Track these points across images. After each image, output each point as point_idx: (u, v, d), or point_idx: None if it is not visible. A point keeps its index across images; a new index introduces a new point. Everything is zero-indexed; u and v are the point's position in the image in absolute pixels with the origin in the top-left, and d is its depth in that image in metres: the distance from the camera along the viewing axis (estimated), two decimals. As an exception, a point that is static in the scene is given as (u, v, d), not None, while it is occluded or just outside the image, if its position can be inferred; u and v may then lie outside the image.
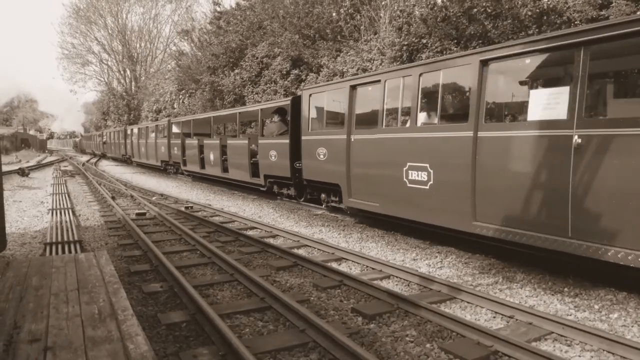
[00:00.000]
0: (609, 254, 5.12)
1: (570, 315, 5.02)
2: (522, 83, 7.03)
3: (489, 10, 13.34)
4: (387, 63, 15.68)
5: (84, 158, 47.00)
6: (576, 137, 5.32)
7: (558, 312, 5.07)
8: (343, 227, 10.04)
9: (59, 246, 7.74)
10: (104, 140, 43.23)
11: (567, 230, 5.52)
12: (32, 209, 12.24)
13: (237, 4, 28.79)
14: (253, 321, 4.81)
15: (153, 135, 25.53)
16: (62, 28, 72.62)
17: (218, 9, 30.56)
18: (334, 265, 6.97)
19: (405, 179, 7.95)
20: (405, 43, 14.87)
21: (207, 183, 19.60)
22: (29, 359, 3.02)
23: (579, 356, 4.10)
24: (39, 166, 31.05)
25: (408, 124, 8.05)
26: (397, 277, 6.38)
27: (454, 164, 7.00)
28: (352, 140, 9.41)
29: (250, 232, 9.39)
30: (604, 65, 6.38)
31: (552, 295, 5.63)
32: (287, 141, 12.15)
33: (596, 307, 5.23)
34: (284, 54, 21.66)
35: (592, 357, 4.09)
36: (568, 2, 12.66)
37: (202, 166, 18.54)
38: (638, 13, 11.61)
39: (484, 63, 6.57)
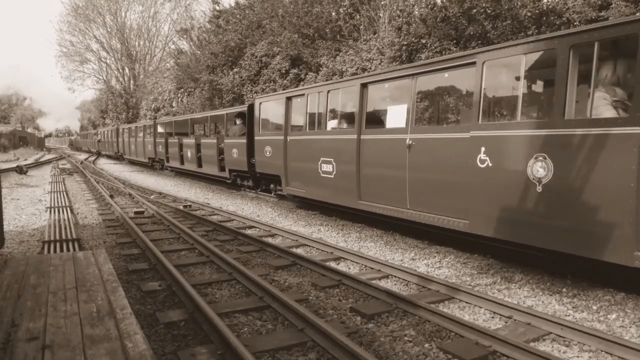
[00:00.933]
0: (431, 218, 7.49)
1: (569, 315, 5.03)
2: (383, 100, 9.74)
3: (489, 11, 13.35)
4: (386, 63, 15.69)
5: (82, 156, 46.93)
6: (408, 139, 7.80)
7: (556, 313, 5.08)
8: (342, 226, 10.04)
9: (57, 244, 7.73)
10: (99, 138, 45.59)
11: (406, 203, 7.98)
12: (30, 207, 12.21)
13: (237, 3, 28.79)
14: (251, 320, 4.81)
15: (141, 134, 28.00)
16: (60, 26, 72.57)
17: (217, 7, 30.57)
18: (333, 264, 6.97)
19: (319, 171, 10.34)
20: (405, 43, 14.88)
21: (205, 182, 19.58)
22: (26, 358, 3.01)
23: (577, 357, 4.11)
24: (37, 164, 30.99)
25: (329, 128, 10.29)
26: (395, 276, 6.38)
27: (347, 158, 9.43)
28: (288, 140, 11.74)
29: (248, 231, 9.38)
30: (426, 89, 9.44)
31: (551, 295, 5.64)
32: (245, 141, 14.36)
33: (594, 307, 5.24)
34: (283, 53, 21.65)
35: (590, 357, 4.09)
36: (567, 3, 12.68)
37: (182, 162, 20.89)
38: (638, 14, 11.63)
39: (364, 86, 9.09)
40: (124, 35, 56.20)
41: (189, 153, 19.74)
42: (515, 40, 10.05)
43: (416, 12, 15.54)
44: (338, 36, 20.42)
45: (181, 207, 12.17)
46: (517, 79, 6.41)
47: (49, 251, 7.38)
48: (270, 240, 8.59)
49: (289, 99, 11.91)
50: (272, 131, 13.00)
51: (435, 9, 14.61)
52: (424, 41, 14.42)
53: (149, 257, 7.23)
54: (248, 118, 14.42)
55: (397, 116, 8.28)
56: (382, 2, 18.68)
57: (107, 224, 10.15)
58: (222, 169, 16.58)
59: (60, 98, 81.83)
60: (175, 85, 35.48)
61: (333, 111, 10.28)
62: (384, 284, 6.09)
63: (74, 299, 4.07)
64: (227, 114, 16.83)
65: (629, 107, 5.23)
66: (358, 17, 19.93)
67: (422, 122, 9.30)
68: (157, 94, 39.65)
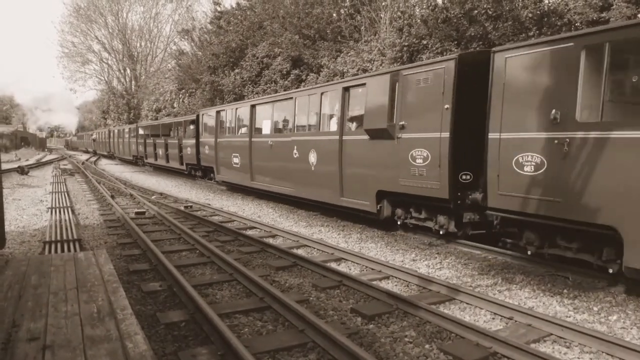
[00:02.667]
0: (283, 190, 12.15)
1: (570, 317, 5.02)
2: (261, 117, 14.03)
3: (490, 12, 13.36)
4: (387, 64, 15.69)
5: (84, 157, 47.00)
6: (270, 141, 12.44)
7: (557, 314, 5.07)
8: (342, 227, 10.04)
9: (58, 245, 7.73)
10: (94, 137, 51.39)
11: (273, 181, 12.76)
12: (31, 208, 12.23)
13: (238, 4, 28.80)
14: (252, 321, 4.81)
15: (127, 136, 33.43)
16: (62, 27, 72.58)
17: (218, 8, 30.58)
18: (334, 265, 6.97)
19: (232, 162, 15.29)
20: (406, 44, 14.89)
21: (204, 183, 19.62)
22: (27, 358, 3.01)
23: (578, 358, 4.10)
24: (39, 164, 31.03)
25: (239, 133, 14.93)
26: (396, 277, 6.38)
27: (245, 154, 14.26)
28: (217, 142, 16.67)
29: (249, 232, 9.39)
30: (278, 111, 13.29)
31: (551, 296, 5.63)
32: (194, 141, 19.46)
33: (595, 309, 5.23)
34: (284, 54, 21.66)
35: (591, 358, 4.09)
36: (569, 4, 12.67)
37: (155, 159, 26.15)
38: (639, 16, 11.62)
39: (253, 107, 14.23)
40: (125, 36, 56.23)
41: (160, 151, 24.99)
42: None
43: (417, 13, 15.55)
44: (339, 37, 20.43)
45: (182, 208, 12.18)
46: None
47: (50, 252, 7.39)
48: (271, 241, 8.60)
49: (217, 112, 16.95)
50: (209, 135, 17.85)
51: (436, 9, 14.62)
52: (425, 42, 14.42)
53: (149, 257, 7.23)
54: (196, 125, 19.39)
55: (266, 127, 13.54)
56: (383, 3, 18.69)
57: (108, 224, 10.16)
58: (182, 163, 21.65)
59: (62, 98, 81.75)
60: (177, 86, 35.50)
61: (240, 122, 15.18)
62: (384, 284, 6.08)
63: (74, 299, 4.07)
64: (184, 120, 22.08)
65: None
66: (359, 18, 19.93)
67: (277, 132, 13.22)
68: (159, 94, 39.67)
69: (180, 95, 34.55)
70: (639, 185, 5.04)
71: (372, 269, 6.76)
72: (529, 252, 6.68)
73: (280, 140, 12.38)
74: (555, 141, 5.88)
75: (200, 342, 4.29)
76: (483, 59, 6.95)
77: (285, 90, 19.21)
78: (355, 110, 9.84)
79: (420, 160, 7.87)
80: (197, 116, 19.36)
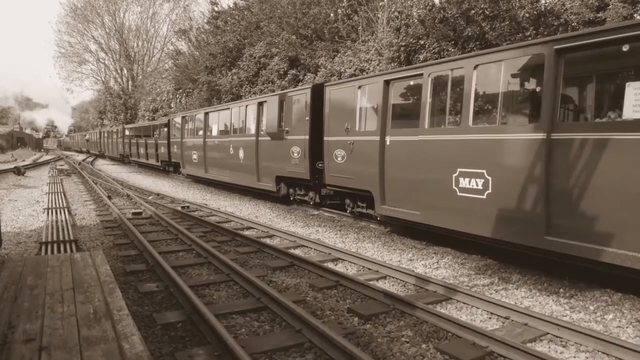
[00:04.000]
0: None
1: (566, 316, 5.04)
2: (214, 123, 17.34)
3: (487, 12, 13.38)
4: (384, 63, 15.70)
5: (80, 157, 46.87)
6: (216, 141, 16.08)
7: (553, 313, 5.08)
8: (340, 227, 10.04)
9: (55, 245, 7.71)
10: (87, 138, 55.53)
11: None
12: (27, 208, 12.19)
13: (235, 4, 28.79)
14: (249, 321, 4.80)
15: (115, 136, 37.37)
16: (59, 27, 72.39)
17: (216, 8, 30.53)
18: (331, 265, 6.97)
19: (192, 158, 18.69)
20: (403, 44, 14.89)
21: (203, 184, 19.60)
22: (23, 359, 3.00)
23: (574, 357, 4.11)
24: (35, 165, 30.93)
25: (197, 135, 18.57)
26: (393, 277, 6.39)
27: (201, 152, 17.71)
28: (183, 141, 20.12)
29: (246, 232, 9.38)
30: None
31: (548, 296, 5.65)
32: (166, 141, 22.95)
33: (591, 308, 5.25)
34: (282, 54, 21.65)
35: (587, 357, 4.10)
36: (565, 4, 12.71)
37: (138, 157, 29.75)
38: (636, 16, 11.66)
39: (207, 114, 18.11)
40: (122, 36, 56.09)
41: (142, 150, 28.72)
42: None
43: (414, 13, 15.55)
44: (336, 37, 20.42)
45: (179, 208, 12.16)
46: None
47: (46, 252, 7.37)
48: (268, 241, 8.59)
49: (183, 117, 20.59)
50: (177, 136, 21.14)
51: (433, 10, 14.63)
52: (422, 42, 14.43)
53: (146, 258, 7.22)
54: (168, 128, 22.76)
55: (215, 130, 16.99)
56: (381, 3, 18.70)
57: (105, 225, 10.13)
58: (157, 160, 24.91)
59: (55, 98, 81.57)
60: (174, 86, 35.42)
61: (198, 126, 18.58)
62: (381, 284, 6.09)
63: (71, 300, 4.06)
64: (160, 124, 25.42)
65: None
66: (356, 18, 19.94)
67: (221, 134, 16.25)
68: (156, 94, 39.57)
69: (178, 96, 34.48)
70: (379, 167, 8.84)
71: (369, 269, 6.76)
72: (347, 211, 10.74)
73: (223, 141, 16.02)
74: (348, 142, 9.75)
75: (197, 343, 4.29)
76: (331, 91, 10.51)
77: (282, 89, 19.52)
78: (264, 118, 13.25)
79: (296, 154, 11.65)
80: (169, 120, 23.15)
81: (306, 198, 12.06)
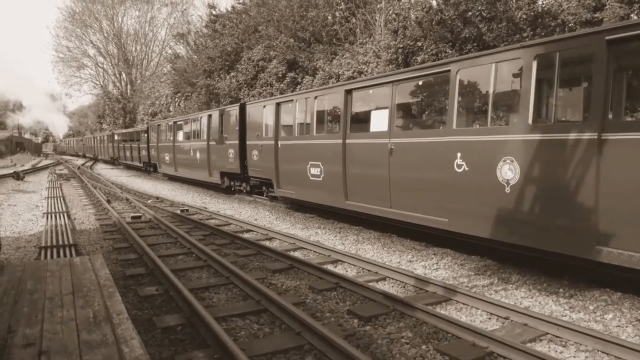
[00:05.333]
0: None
1: (565, 316, 5.05)
2: (186, 132, 19.81)
3: (484, 14, 13.41)
4: (382, 66, 15.73)
5: (79, 162, 46.87)
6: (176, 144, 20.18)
7: (553, 313, 5.09)
8: (339, 229, 10.04)
9: (54, 250, 7.71)
10: (84, 143, 60.09)
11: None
12: (27, 213, 12.18)
13: (233, 8, 28.82)
14: (249, 324, 4.80)
15: (106, 141, 41.80)
16: (57, 31, 72.44)
17: (214, 12, 30.59)
18: (330, 267, 6.97)
19: (165, 160, 22.59)
20: (401, 46, 14.93)
21: (201, 187, 19.61)
22: (23, 363, 3.00)
23: (574, 357, 4.12)
24: (34, 170, 30.91)
25: (169, 139, 21.97)
26: (393, 279, 6.39)
27: (170, 155, 21.90)
28: (159, 145, 23.76)
29: (246, 235, 9.38)
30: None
31: (547, 296, 5.65)
32: (147, 145, 26.59)
33: (591, 307, 5.25)
34: (280, 57, 21.68)
35: (586, 357, 4.11)
36: (562, 5, 12.74)
37: (126, 159, 33.59)
38: (633, 16, 11.70)
39: (176, 125, 22.08)
40: (120, 40, 56.16)
41: (127, 153, 32.64)
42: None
43: (412, 15, 15.59)
44: (334, 40, 20.46)
45: (178, 212, 12.16)
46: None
47: (45, 257, 7.36)
48: (267, 243, 8.59)
49: (158, 125, 24.56)
50: (154, 140, 24.83)
51: (431, 12, 14.66)
52: (419, 44, 14.46)
53: (146, 261, 7.21)
54: (147, 133, 26.42)
55: (181, 136, 20.46)
56: (378, 6, 18.74)
57: (104, 229, 10.13)
58: (140, 161, 28.86)
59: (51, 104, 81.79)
60: (172, 89, 35.44)
61: (170, 132, 21.99)
62: (381, 286, 6.09)
63: (70, 304, 4.06)
64: (142, 130, 28.79)
65: None
66: (354, 20, 19.98)
67: (186, 139, 20.19)
68: (154, 98, 39.59)
69: (176, 99, 34.51)
70: (274, 163, 12.26)
71: (369, 271, 6.77)
72: (265, 195, 14.61)
73: (186, 145, 19.83)
74: (259, 145, 13.29)
75: (197, 346, 4.28)
76: (250, 108, 14.29)
77: (280, 94, 19.85)
78: (213, 129, 16.75)
79: (232, 155, 15.11)
80: (147, 127, 27.02)
81: (241, 188, 15.66)
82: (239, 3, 28.12)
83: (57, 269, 5.18)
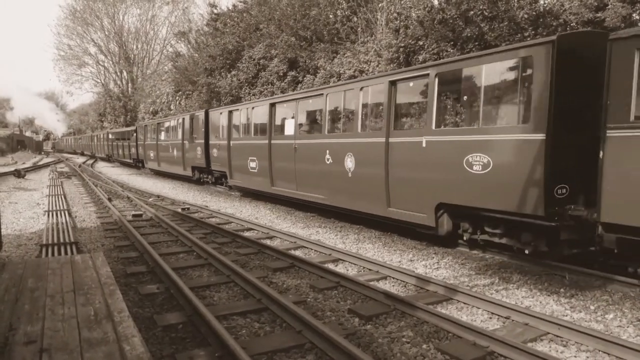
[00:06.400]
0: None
1: (566, 315, 5.04)
2: (166, 133, 23.79)
3: (486, 13, 13.38)
4: (383, 64, 15.71)
5: (80, 159, 46.92)
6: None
7: (554, 313, 5.08)
8: (340, 228, 10.04)
9: (55, 248, 7.71)
10: (82, 142, 63.28)
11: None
12: (28, 211, 12.19)
13: (234, 6, 28.79)
14: (249, 322, 4.81)
15: (102, 139, 45.52)
16: (58, 29, 72.41)
17: (215, 10, 30.56)
18: (331, 266, 6.97)
19: (151, 156, 25.49)
20: (402, 45, 14.90)
21: (201, 185, 19.63)
22: (24, 361, 3.00)
23: (575, 357, 4.11)
24: (35, 168, 30.93)
25: (153, 138, 25.22)
26: (393, 278, 6.39)
27: (154, 150, 24.93)
28: (145, 143, 26.64)
29: (247, 234, 9.38)
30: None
31: (548, 296, 5.65)
32: (136, 144, 29.65)
33: (592, 307, 5.25)
34: (281, 55, 21.67)
35: (587, 357, 4.10)
36: (564, 4, 12.71)
37: (118, 156, 36.99)
38: (635, 16, 11.67)
39: (160, 124, 25.29)
40: (121, 38, 56.10)
41: (120, 151, 36.10)
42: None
43: (414, 15, 15.56)
44: (335, 38, 20.43)
45: (179, 210, 12.16)
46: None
47: (46, 254, 7.37)
48: (268, 242, 8.59)
49: (145, 125, 27.79)
50: (142, 139, 27.55)
51: (432, 11, 14.63)
52: (421, 43, 14.44)
53: (147, 260, 7.22)
54: (136, 133, 29.54)
55: (163, 135, 23.42)
56: (380, 5, 18.71)
57: (105, 227, 10.14)
58: (130, 158, 32.19)
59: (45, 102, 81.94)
60: (173, 88, 35.44)
61: (154, 131, 24.72)
62: (382, 285, 6.09)
63: (71, 302, 4.07)
64: (132, 129, 32.38)
65: None
66: (355, 19, 19.95)
67: (166, 138, 22.65)
68: (155, 97, 39.60)
69: (177, 98, 34.50)
70: (227, 158, 15.41)
71: (370, 270, 6.76)
72: (224, 185, 17.24)
73: (166, 143, 22.71)
74: (218, 144, 16.26)
75: (198, 344, 4.29)
76: (211, 113, 17.46)
77: (282, 92, 20.00)
78: (186, 130, 19.76)
79: (199, 152, 17.99)
80: (136, 127, 30.55)
81: (207, 179, 18.56)
82: (240, 1, 28.09)
83: (58, 266, 5.18)
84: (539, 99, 5.94)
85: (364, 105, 9.33)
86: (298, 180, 11.38)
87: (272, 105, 12.86)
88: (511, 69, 6.58)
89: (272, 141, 12.61)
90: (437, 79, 7.48)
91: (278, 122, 12.78)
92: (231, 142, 15.18)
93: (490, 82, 6.80)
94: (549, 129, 5.79)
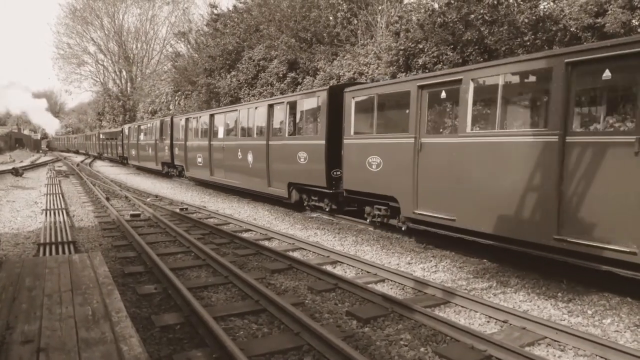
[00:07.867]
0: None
1: (564, 320, 5.05)
2: (146, 135, 27.31)
3: (486, 17, 13.42)
4: (383, 67, 15.74)
5: (78, 158, 46.84)
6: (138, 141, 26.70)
7: (551, 317, 5.09)
8: (338, 230, 10.04)
9: (53, 247, 7.70)
10: (77, 141, 65.08)
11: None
12: (25, 209, 12.16)
13: (234, 7, 28.82)
14: (247, 324, 4.80)
15: (94, 138, 48.92)
16: (58, 28, 72.29)
17: (215, 11, 30.58)
18: (329, 268, 6.97)
19: (132, 153, 29.89)
20: (402, 48, 14.94)
21: (201, 186, 19.60)
22: (21, 360, 2.99)
23: (572, 361, 4.12)
24: (33, 166, 30.87)
25: (134, 137, 29.65)
26: (391, 280, 6.39)
27: (137, 149, 29.49)
28: (129, 142, 30.34)
29: (245, 235, 9.37)
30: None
31: (546, 300, 5.65)
32: (121, 143, 33.15)
33: (589, 312, 5.26)
34: (281, 57, 21.69)
35: (585, 362, 4.11)
36: (564, 10, 12.75)
37: (108, 153, 40.29)
38: (634, 22, 11.71)
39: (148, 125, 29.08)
40: (121, 37, 56.06)
41: (109, 149, 39.33)
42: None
43: (414, 18, 15.60)
44: (335, 40, 20.47)
45: (177, 210, 12.15)
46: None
47: (44, 254, 7.35)
48: (266, 243, 8.59)
49: (129, 127, 30.60)
50: (127, 139, 30.65)
51: (433, 14, 14.67)
52: (421, 46, 14.48)
53: (144, 260, 7.21)
54: (122, 133, 32.65)
55: (143, 136, 27.00)
56: (380, 8, 18.76)
57: (103, 226, 10.12)
58: (117, 155, 35.38)
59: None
60: (173, 88, 35.44)
61: (136, 132, 28.19)
62: (380, 287, 6.09)
63: (69, 301, 4.05)
64: (119, 130, 35.00)
65: None
66: (355, 21, 20.00)
67: (144, 138, 25.92)
68: (154, 96, 39.60)
69: (176, 98, 34.50)
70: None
71: (368, 272, 6.76)
72: (183, 177, 21.21)
73: (144, 142, 26.28)
74: (179, 143, 20.33)
75: (196, 345, 4.28)
76: (174, 119, 21.36)
77: (281, 93, 20.00)
78: (158, 132, 23.18)
79: (166, 150, 21.88)
80: (122, 128, 33.88)
81: (173, 172, 22.05)
82: (241, 2, 28.12)
83: (55, 266, 5.17)
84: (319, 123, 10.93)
85: (257, 119, 13.57)
86: (225, 170, 15.59)
87: (212, 115, 17.19)
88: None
89: (212, 142, 16.86)
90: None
91: (215, 128, 16.93)
92: (187, 143, 19.24)
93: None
94: (327, 137, 10.36)
